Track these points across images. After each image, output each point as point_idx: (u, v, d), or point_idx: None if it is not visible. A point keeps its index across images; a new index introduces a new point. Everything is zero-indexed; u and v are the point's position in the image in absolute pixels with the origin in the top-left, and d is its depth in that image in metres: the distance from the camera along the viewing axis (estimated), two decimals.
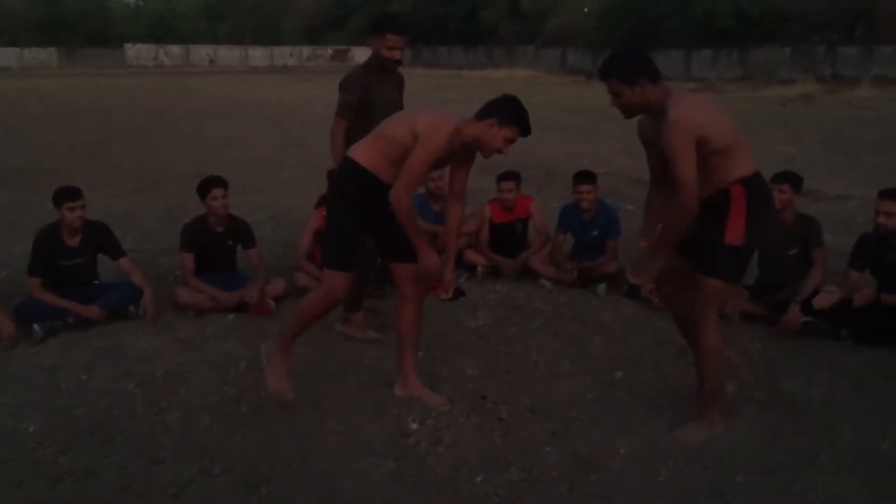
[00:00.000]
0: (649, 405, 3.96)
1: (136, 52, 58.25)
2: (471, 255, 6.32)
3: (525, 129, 3.65)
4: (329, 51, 62.45)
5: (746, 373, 4.37)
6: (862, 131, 16.39)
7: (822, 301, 4.88)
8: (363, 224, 3.80)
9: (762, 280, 5.41)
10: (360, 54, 61.34)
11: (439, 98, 22.86)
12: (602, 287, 5.81)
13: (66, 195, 5.13)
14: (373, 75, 4.77)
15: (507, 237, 6.32)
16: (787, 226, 5.25)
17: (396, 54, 4.74)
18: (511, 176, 6.28)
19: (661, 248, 3.53)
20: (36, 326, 4.84)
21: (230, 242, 5.62)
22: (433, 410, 3.86)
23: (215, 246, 5.56)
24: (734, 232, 3.42)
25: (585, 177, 6.03)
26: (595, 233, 6.02)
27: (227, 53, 60.23)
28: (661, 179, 3.62)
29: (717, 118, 3.39)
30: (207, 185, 5.45)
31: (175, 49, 59.70)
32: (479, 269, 6.24)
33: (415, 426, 3.73)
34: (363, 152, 3.73)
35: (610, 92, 3.48)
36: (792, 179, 5.26)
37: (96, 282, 5.41)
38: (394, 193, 3.55)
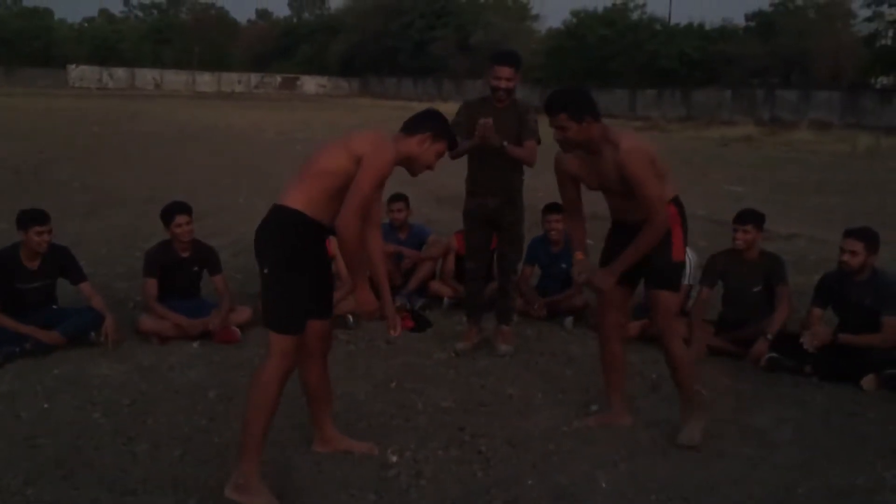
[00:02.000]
0: (626, 438, 3.97)
1: (80, 73, 57.30)
2: (436, 287, 6.30)
3: (454, 144, 3.61)
4: (278, 79, 62.27)
5: (718, 407, 4.41)
6: (803, 173, 16.92)
7: (814, 341, 4.87)
8: (310, 276, 3.35)
9: (726, 315, 5.50)
10: (309, 83, 61.33)
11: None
12: (569, 320, 5.84)
13: (34, 218, 4.98)
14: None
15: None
16: (750, 263, 5.35)
17: (501, 83, 4.94)
18: (556, 208, 6.31)
19: (628, 259, 3.80)
20: None
21: (195, 268, 5.51)
22: (363, 454, 3.68)
23: (180, 271, 5.44)
24: (678, 249, 3.86)
25: (556, 207, 6.08)
26: (563, 265, 6.05)
27: (174, 78, 59.62)
28: (576, 212, 4.12)
29: (655, 150, 3.81)
30: (171, 212, 5.35)
31: (120, 72, 58.87)
32: (445, 300, 6.21)
33: (394, 458, 3.67)
34: (296, 196, 3.27)
35: (556, 126, 3.71)
36: (755, 219, 5.36)
37: (54, 306, 5.24)
38: (341, 219, 3.17)
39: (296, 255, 3.28)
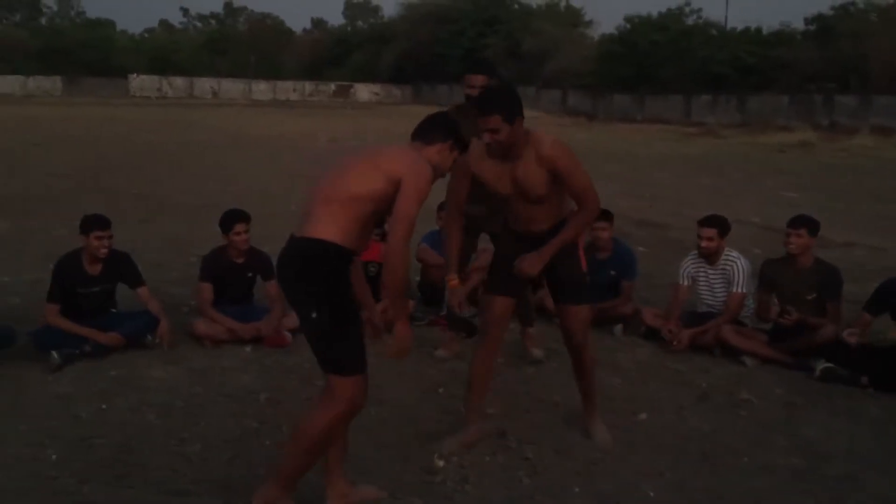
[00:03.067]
0: (673, 448, 3.94)
1: (140, 82, 58.58)
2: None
3: (467, 148, 3.47)
4: (332, 86, 62.94)
5: (768, 418, 4.35)
6: (862, 180, 16.57)
7: (853, 337, 4.90)
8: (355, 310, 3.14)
9: (781, 325, 5.41)
10: (362, 90, 61.88)
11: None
12: (619, 328, 5.80)
13: (95, 224, 5.13)
14: None
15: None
16: (804, 271, 5.26)
17: (474, 92, 4.87)
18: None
19: (558, 244, 3.68)
20: (54, 353, 4.80)
21: (249, 274, 5.62)
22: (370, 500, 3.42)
23: (234, 277, 5.55)
24: (583, 260, 3.90)
25: (602, 214, 6.04)
26: (612, 272, 6.02)
27: (231, 86, 60.59)
28: (458, 216, 3.92)
29: None
30: (231, 220, 5.46)
31: (179, 81, 60.03)
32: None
33: (441, 464, 3.69)
34: (327, 227, 2.99)
35: (488, 128, 3.49)
36: (808, 223, 5.28)
37: (113, 310, 5.38)
38: (394, 250, 2.95)
39: (342, 291, 3.06)
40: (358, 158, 3.16)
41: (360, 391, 3.07)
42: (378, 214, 3.10)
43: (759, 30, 42.19)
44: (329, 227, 2.98)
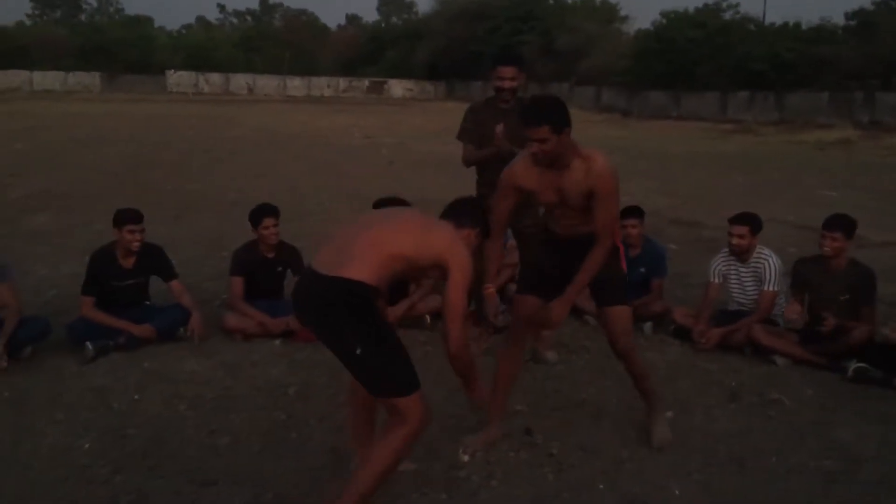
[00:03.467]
0: (702, 449, 3.91)
1: (178, 79, 59.28)
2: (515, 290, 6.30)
3: (487, 238, 3.57)
4: (366, 82, 63.18)
5: (799, 420, 4.31)
6: None
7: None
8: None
9: (813, 325, 5.34)
10: (396, 87, 62.03)
11: None
12: (648, 326, 5.77)
13: (128, 217, 5.21)
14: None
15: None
16: (837, 272, 5.18)
17: (504, 83, 4.92)
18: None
19: (580, 284, 3.70)
20: (88, 345, 4.89)
21: (280, 268, 5.67)
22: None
23: (265, 271, 5.61)
24: (624, 261, 3.88)
25: (632, 211, 6.02)
26: (641, 270, 5.98)
27: (266, 83, 61.07)
28: (501, 231, 3.91)
29: None
30: (260, 214, 5.52)
31: (215, 77, 60.64)
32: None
33: (466, 459, 3.71)
34: (362, 270, 3.02)
35: (535, 139, 3.47)
36: (844, 226, 5.18)
37: (147, 303, 5.47)
38: (455, 345, 3.12)
39: (378, 321, 3.07)
40: (412, 222, 3.24)
41: (426, 406, 3.10)
42: (407, 274, 3.27)
43: (798, 25, 41.54)
44: (364, 272, 3.01)
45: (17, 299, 4.93)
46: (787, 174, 16.74)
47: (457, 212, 3.42)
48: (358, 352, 3.00)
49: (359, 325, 3.01)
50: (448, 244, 3.16)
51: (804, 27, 41.21)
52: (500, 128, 4.81)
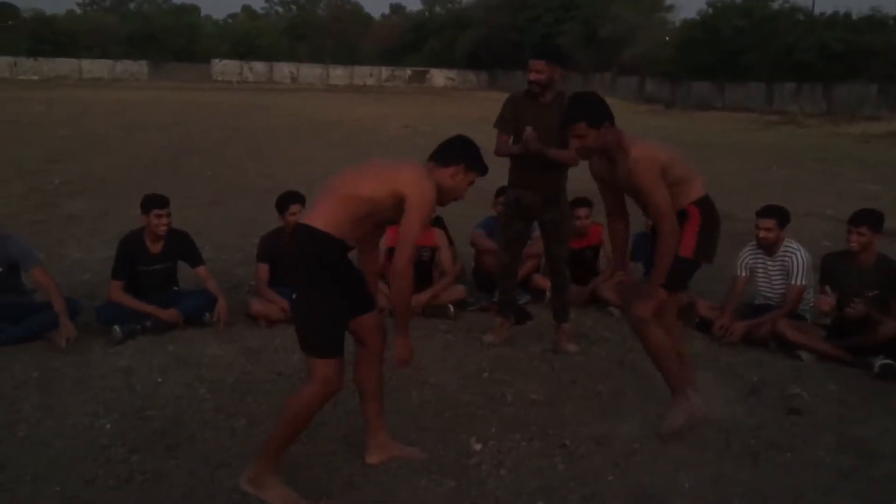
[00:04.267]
0: (716, 442, 3.88)
1: (222, 67, 59.91)
2: (539, 280, 6.31)
3: (485, 173, 3.49)
4: (408, 72, 63.28)
5: (818, 414, 4.25)
6: None
7: None
8: (342, 286, 3.26)
9: (839, 320, 5.26)
10: (438, 76, 62.04)
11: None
12: None
13: (154, 202, 5.32)
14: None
15: (577, 264, 6.28)
16: (865, 267, 5.09)
17: (534, 76, 4.96)
18: (584, 203, 6.25)
19: (658, 279, 3.78)
20: (116, 328, 5.01)
21: None
22: (409, 461, 3.60)
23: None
24: (687, 246, 3.76)
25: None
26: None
27: (309, 71, 61.45)
28: (615, 213, 4.08)
29: (670, 154, 3.77)
30: (286, 201, 5.58)
31: (259, 66, 61.18)
32: (547, 294, 6.20)
33: (478, 447, 3.74)
34: (322, 216, 3.15)
35: (574, 135, 3.68)
36: (871, 220, 5.08)
37: (175, 288, 5.58)
38: (397, 269, 3.13)
39: (325, 277, 3.18)
40: (373, 166, 3.33)
41: (334, 373, 3.19)
42: (372, 218, 3.24)
43: (847, 15, 40.62)
44: (324, 217, 3.15)
45: (52, 279, 5.11)
46: (828, 167, 16.42)
47: (441, 151, 3.41)
48: (293, 296, 3.22)
49: (304, 272, 3.17)
50: (408, 179, 3.19)
51: (854, 17, 40.28)
52: (529, 130, 4.84)
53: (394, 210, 3.22)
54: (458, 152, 3.39)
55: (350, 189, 3.19)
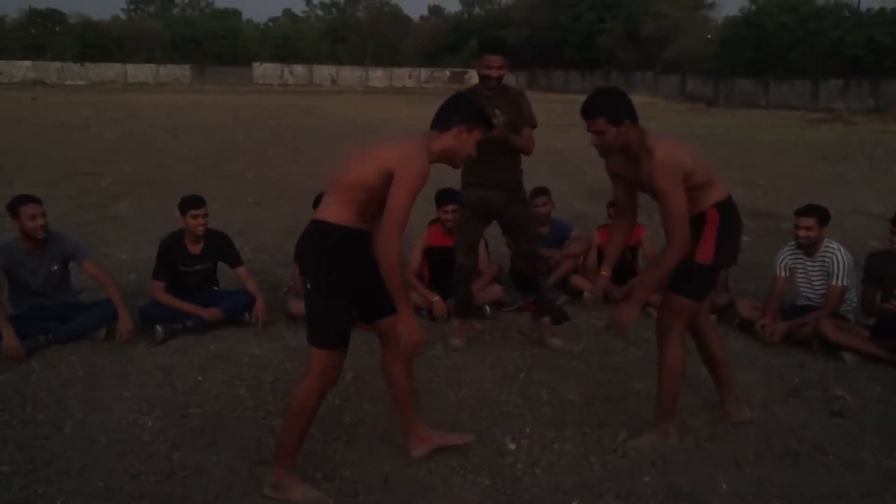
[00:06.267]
0: (756, 442, 3.84)
1: (263, 70, 60.64)
2: (577, 280, 6.28)
3: (490, 125, 3.42)
4: (447, 73, 63.37)
5: (861, 415, 4.18)
6: None
7: None
8: (351, 288, 3.28)
9: (884, 320, 5.16)
10: (476, 77, 62.03)
11: (552, 123, 22.80)
12: (712, 319, 5.65)
13: (190, 203, 5.41)
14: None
15: (616, 264, 6.23)
16: None
17: (492, 72, 4.87)
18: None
19: (648, 286, 3.65)
20: (158, 327, 5.11)
21: None
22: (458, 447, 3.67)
23: None
24: (704, 252, 3.61)
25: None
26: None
27: (349, 74, 61.94)
28: (623, 210, 3.95)
29: (694, 156, 3.56)
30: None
31: (299, 68, 61.82)
32: (585, 294, 6.18)
33: (513, 446, 3.74)
34: (332, 209, 3.20)
35: (593, 130, 3.51)
36: None
37: (215, 288, 5.66)
38: (381, 244, 3.07)
39: (336, 272, 3.20)
40: (364, 148, 3.28)
41: (330, 365, 3.26)
42: (373, 201, 3.17)
43: (895, 10, 39.83)
44: (334, 210, 3.20)
45: (106, 273, 5.31)
46: (877, 164, 16.09)
47: (438, 115, 3.32)
48: (308, 286, 3.24)
49: (315, 265, 3.22)
50: (393, 155, 3.13)
51: None
52: (499, 114, 4.77)
53: (388, 189, 3.12)
54: (454, 113, 3.30)
55: (343, 177, 3.21)
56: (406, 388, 3.59)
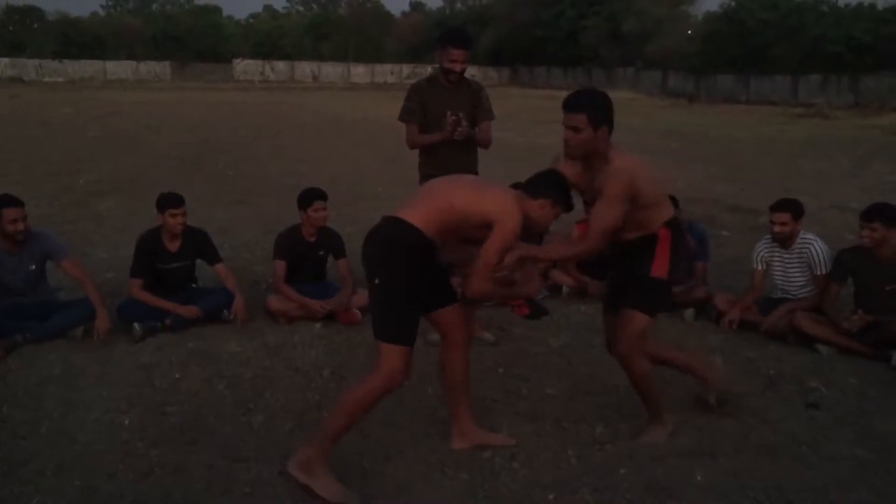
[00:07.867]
0: (733, 435, 3.87)
1: (244, 67, 60.38)
2: (557, 275, 6.31)
3: (570, 209, 3.54)
4: (429, 69, 63.21)
5: (837, 408, 4.23)
6: None
7: None
8: (423, 277, 3.37)
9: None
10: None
11: (534, 119, 22.87)
12: (690, 312, 5.71)
13: (169, 201, 5.38)
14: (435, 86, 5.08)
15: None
16: (883, 260, 5.05)
17: (456, 66, 4.94)
18: None
19: (530, 251, 3.54)
20: (136, 325, 5.09)
21: (321, 252, 5.78)
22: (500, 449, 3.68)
23: (307, 255, 5.72)
24: (661, 267, 3.62)
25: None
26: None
27: (330, 70, 61.78)
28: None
29: (652, 176, 3.59)
30: (310, 197, 5.62)
31: (281, 65, 61.62)
32: (565, 288, 6.22)
33: None
34: (417, 214, 3.31)
35: (570, 126, 3.45)
36: (883, 215, 5.03)
37: (194, 285, 5.65)
38: (476, 288, 3.34)
39: (409, 270, 3.28)
40: (475, 184, 3.51)
41: (400, 363, 3.26)
42: (460, 231, 3.37)
43: (873, 6, 40.19)
44: (418, 215, 3.31)
45: (84, 272, 5.30)
46: (856, 160, 16.24)
47: (534, 182, 3.49)
48: (377, 281, 3.28)
49: (390, 260, 3.29)
50: (500, 206, 3.31)
51: (880, 7, 39.82)
52: (461, 117, 4.86)
53: (479, 228, 3.32)
54: (549, 186, 3.46)
55: (447, 198, 3.36)
56: (458, 381, 3.66)
